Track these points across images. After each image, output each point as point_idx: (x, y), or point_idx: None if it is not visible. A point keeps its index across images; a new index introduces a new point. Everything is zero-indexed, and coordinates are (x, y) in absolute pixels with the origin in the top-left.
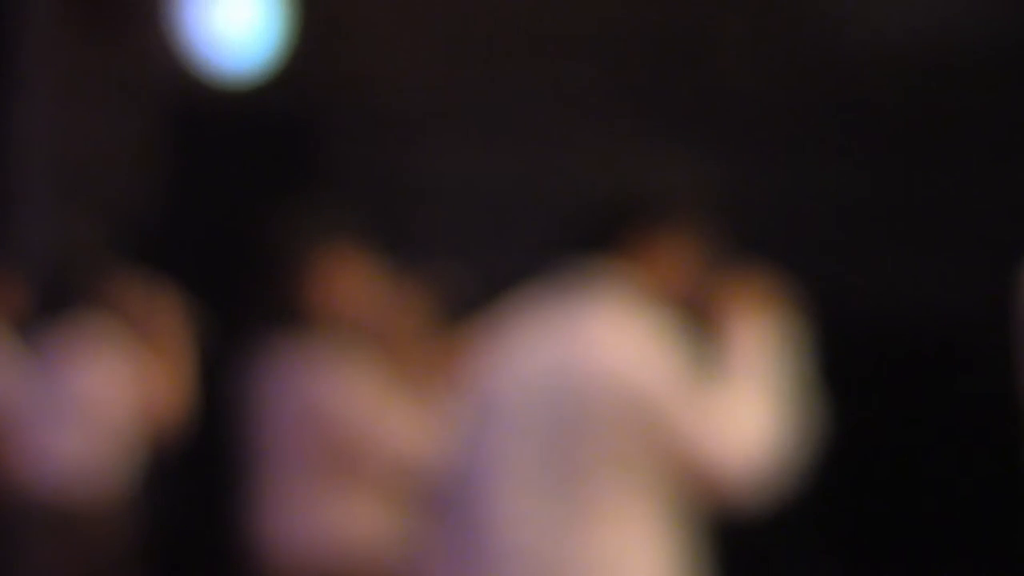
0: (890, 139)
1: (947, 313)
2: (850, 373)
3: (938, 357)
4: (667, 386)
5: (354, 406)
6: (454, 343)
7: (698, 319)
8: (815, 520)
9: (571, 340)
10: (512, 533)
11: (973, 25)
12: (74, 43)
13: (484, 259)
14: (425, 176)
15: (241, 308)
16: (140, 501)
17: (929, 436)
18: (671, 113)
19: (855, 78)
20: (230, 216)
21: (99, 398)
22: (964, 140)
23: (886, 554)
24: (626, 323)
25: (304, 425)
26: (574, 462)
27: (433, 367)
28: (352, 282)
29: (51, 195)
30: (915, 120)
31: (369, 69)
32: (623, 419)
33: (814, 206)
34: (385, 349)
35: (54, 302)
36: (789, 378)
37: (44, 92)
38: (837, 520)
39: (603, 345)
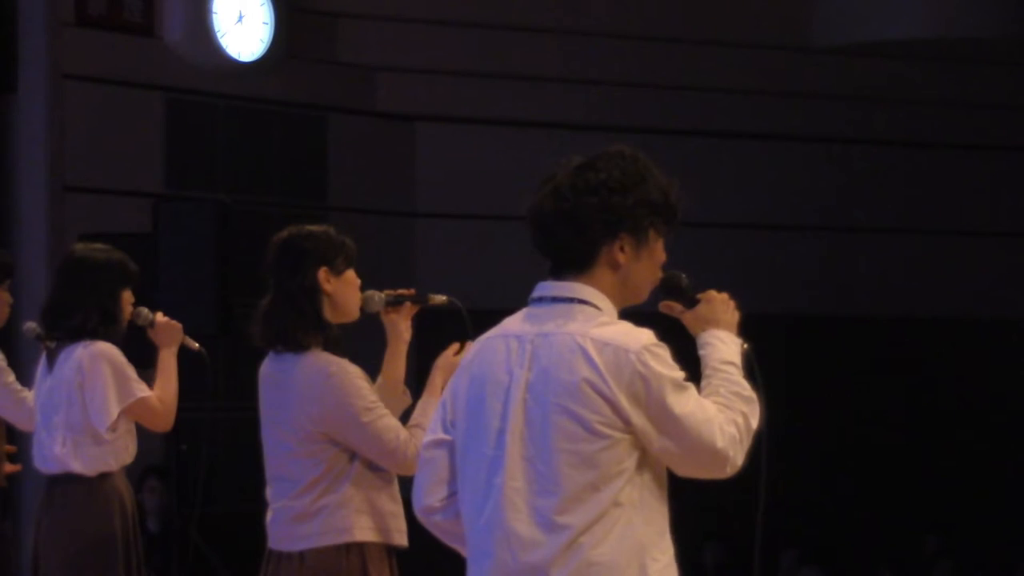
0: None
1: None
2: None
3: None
4: (663, 363)
5: (353, 408)
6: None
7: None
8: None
9: (561, 328)
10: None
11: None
12: (73, 40)
13: (483, 254)
14: (425, 171)
15: (245, 310)
16: (139, 493)
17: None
18: (657, 112)
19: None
20: (231, 214)
21: (94, 400)
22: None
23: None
24: (612, 319)
25: (307, 424)
26: (569, 444)
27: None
28: (350, 291)
29: (49, 196)
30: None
31: (370, 62)
32: (625, 386)
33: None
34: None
35: (53, 308)
36: (747, 379)
37: (42, 90)
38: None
39: (596, 327)
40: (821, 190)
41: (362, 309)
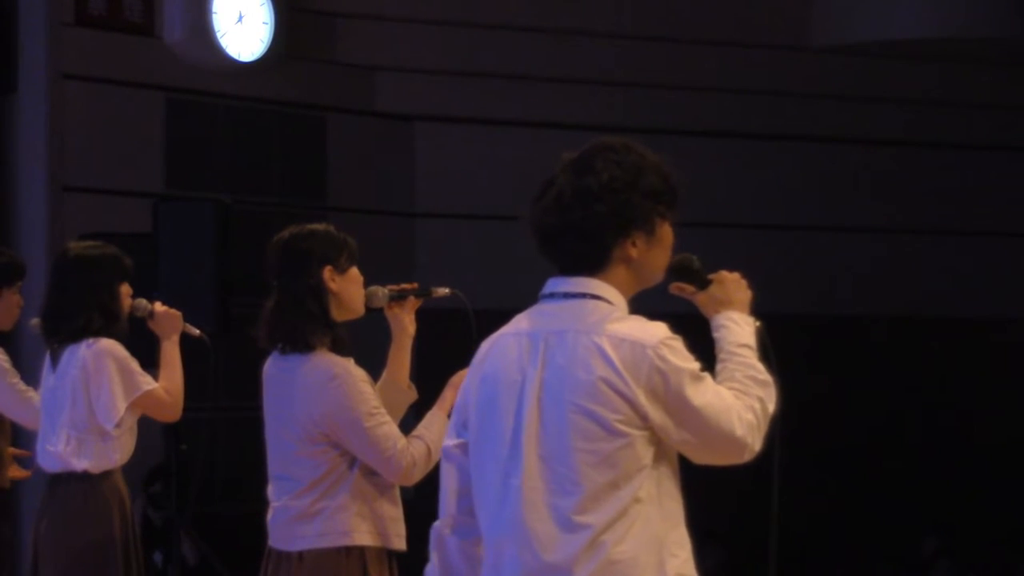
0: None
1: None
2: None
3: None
4: (680, 355)
5: (354, 412)
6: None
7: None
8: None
9: (575, 325)
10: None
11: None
12: (73, 40)
13: (483, 254)
14: (424, 171)
15: (245, 309)
16: (145, 489)
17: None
18: (661, 110)
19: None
20: (231, 214)
21: (101, 397)
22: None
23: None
24: (624, 313)
25: (309, 425)
26: (587, 443)
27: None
28: (355, 289)
29: (49, 196)
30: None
31: (370, 62)
32: (644, 382)
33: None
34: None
35: (54, 311)
36: (762, 362)
37: (42, 90)
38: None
39: (611, 323)
40: (821, 190)
41: (366, 305)
